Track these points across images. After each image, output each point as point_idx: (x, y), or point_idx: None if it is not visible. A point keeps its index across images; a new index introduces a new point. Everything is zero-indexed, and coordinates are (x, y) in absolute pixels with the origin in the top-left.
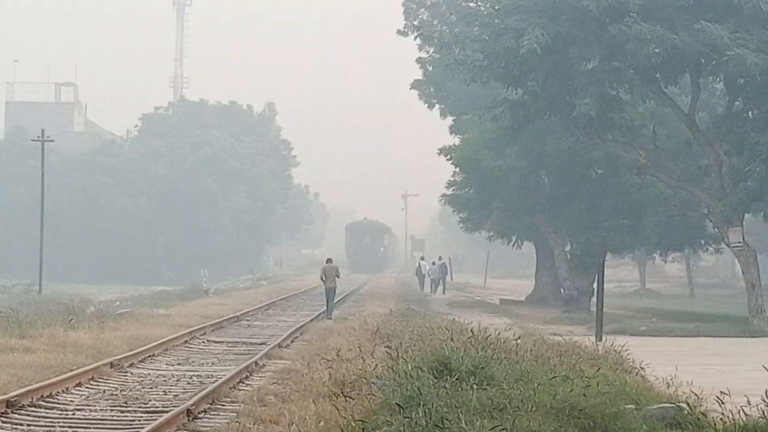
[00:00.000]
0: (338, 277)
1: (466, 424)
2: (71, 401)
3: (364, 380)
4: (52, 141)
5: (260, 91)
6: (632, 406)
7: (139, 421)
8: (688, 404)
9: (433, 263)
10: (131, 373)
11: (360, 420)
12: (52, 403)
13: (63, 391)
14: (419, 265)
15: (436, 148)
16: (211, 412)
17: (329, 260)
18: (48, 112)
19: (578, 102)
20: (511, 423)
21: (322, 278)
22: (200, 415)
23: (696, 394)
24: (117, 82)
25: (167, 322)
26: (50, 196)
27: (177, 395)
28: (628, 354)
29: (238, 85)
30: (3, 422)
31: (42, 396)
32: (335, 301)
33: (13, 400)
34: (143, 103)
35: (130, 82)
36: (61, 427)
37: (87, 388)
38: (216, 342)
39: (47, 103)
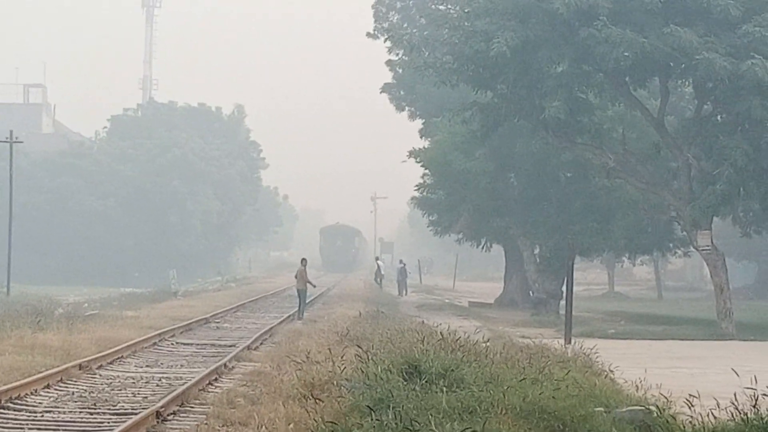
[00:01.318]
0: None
1: (436, 427)
2: (40, 403)
3: (333, 383)
4: (21, 142)
5: (229, 93)
6: (601, 409)
7: (108, 423)
8: (657, 407)
9: (400, 262)
10: (100, 375)
11: (330, 422)
12: (21, 405)
13: (31, 393)
14: (377, 266)
15: (405, 151)
16: (181, 415)
17: (303, 260)
18: (16, 114)
19: (547, 105)
20: (481, 426)
21: (296, 278)
22: (169, 417)
23: (665, 397)
24: (85, 83)
25: (136, 324)
26: (18, 197)
27: (146, 397)
28: (597, 357)
29: (207, 87)
30: None
31: (10, 398)
32: (306, 302)
33: None
34: (112, 105)
35: (99, 83)
36: (29, 429)
37: (56, 390)
38: (185, 344)
39: (15, 104)
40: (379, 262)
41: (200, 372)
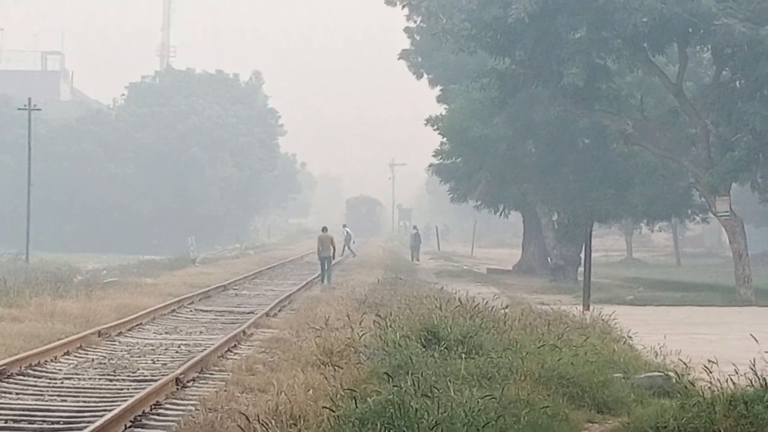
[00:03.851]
0: (333, 247)
1: (454, 393)
2: (60, 370)
3: (352, 349)
4: (39, 110)
5: (247, 60)
6: (620, 375)
7: (128, 389)
8: (676, 373)
9: (414, 228)
10: (119, 342)
11: (349, 389)
12: (41, 371)
13: (51, 360)
14: (346, 234)
15: (424, 118)
16: (200, 381)
17: (324, 229)
18: (34, 81)
19: (566, 71)
20: (500, 392)
21: (318, 248)
22: (189, 384)
23: (684, 363)
24: (104, 50)
25: (155, 291)
26: (37, 164)
27: (165, 364)
28: (615, 323)
29: (225, 54)
30: None
31: (30, 365)
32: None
33: (1, 368)
34: (130, 72)
35: (117, 51)
36: (49, 395)
37: (75, 357)
38: (204, 311)
39: (33, 71)
40: (346, 229)
41: (219, 339)
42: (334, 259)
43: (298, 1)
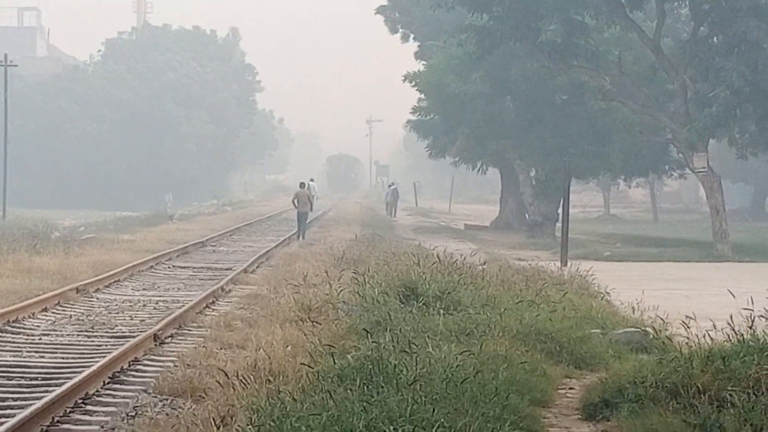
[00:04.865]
0: (311, 203)
1: (433, 349)
2: (38, 326)
3: (330, 305)
4: (15, 66)
5: (224, 16)
6: (598, 331)
7: (106, 346)
8: (653, 328)
9: (391, 184)
10: (97, 299)
11: (327, 344)
12: (19, 328)
13: (29, 316)
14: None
15: (402, 74)
16: (178, 337)
17: (302, 184)
18: (10, 37)
19: (544, 28)
20: (478, 347)
21: (294, 203)
22: (167, 340)
23: (661, 319)
24: (80, 6)
25: (132, 248)
26: (13, 121)
27: (143, 320)
28: (593, 279)
29: (202, 11)
30: None
31: (8, 321)
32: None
33: None
34: (106, 29)
35: (93, 6)
36: (27, 351)
37: (53, 313)
38: (181, 267)
39: (9, 27)
40: (311, 183)
41: (197, 295)
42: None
43: None
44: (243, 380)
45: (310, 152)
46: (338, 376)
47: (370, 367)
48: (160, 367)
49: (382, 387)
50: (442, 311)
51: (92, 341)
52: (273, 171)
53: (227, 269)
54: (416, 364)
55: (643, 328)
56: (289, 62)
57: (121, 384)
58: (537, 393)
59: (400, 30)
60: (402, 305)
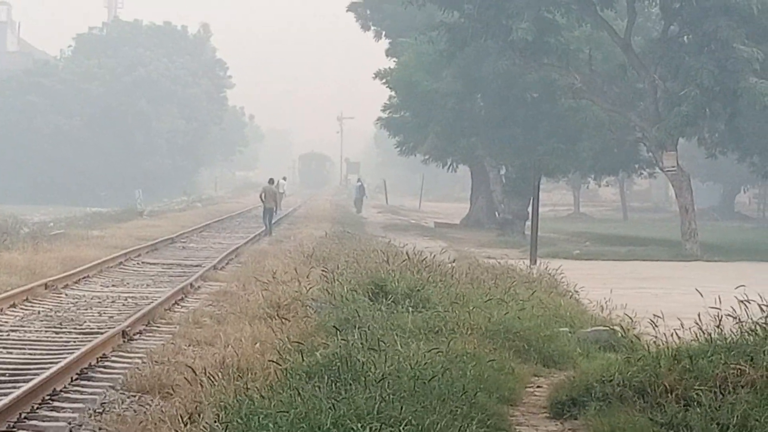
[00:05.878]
0: (277, 200)
1: (401, 347)
2: (6, 322)
3: (299, 302)
4: None
5: (195, 13)
6: (566, 329)
7: (74, 342)
8: (621, 327)
9: (358, 180)
10: (66, 295)
11: (296, 342)
12: None
13: None
14: (276, 184)
15: (373, 71)
16: (147, 334)
17: (271, 180)
18: None
19: (515, 25)
20: (446, 345)
21: (261, 198)
22: (135, 337)
23: (630, 317)
24: (51, 1)
25: (102, 244)
26: None
27: (112, 317)
28: (562, 277)
29: (173, 6)
30: None
31: None
32: (273, 221)
33: None
34: (77, 23)
35: (64, 1)
36: None
37: (21, 309)
38: (151, 264)
39: None
40: (282, 181)
41: (166, 291)
42: (279, 210)
43: None
44: (211, 377)
45: (281, 149)
46: (306, 374)
47: (339, 364)
48: (129, 363)
49: (351, 384)
50: (410, 309)
51: (60, 337)
52: (243, 168)
53: (197, 266)
54: (385, 361)
55: (611, 327)
56: (261, 59)
57: (89, 380)
58: (505, 391)
59: (372, 27)
60: (371, 303)
